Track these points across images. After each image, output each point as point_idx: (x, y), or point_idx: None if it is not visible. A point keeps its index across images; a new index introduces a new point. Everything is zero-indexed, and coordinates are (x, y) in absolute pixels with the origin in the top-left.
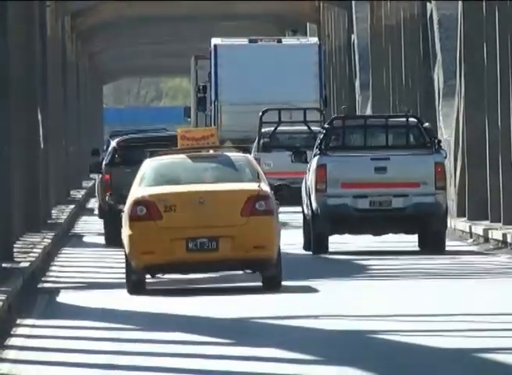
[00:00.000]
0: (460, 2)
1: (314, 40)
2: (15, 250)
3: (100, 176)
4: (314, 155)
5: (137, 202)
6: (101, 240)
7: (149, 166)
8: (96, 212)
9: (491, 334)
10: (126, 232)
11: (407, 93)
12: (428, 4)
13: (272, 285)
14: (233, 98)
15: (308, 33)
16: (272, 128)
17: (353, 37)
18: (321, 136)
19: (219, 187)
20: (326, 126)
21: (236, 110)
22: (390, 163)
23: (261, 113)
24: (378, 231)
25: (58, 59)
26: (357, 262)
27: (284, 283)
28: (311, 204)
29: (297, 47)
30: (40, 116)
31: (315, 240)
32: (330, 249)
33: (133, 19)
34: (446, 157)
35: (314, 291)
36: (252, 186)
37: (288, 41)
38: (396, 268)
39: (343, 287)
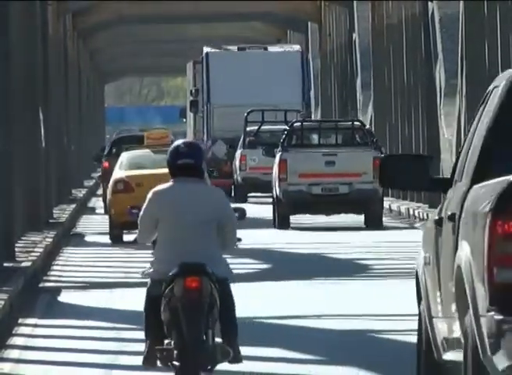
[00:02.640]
0: (461, 2)
1: (297, 47)
2: (16, 249)
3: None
4: (278, 152)
5: (117, 180)
6: (103, 239)
7: (125, 156)
8: (98, 210)
9: None
10: (109, 201)
11: (408, 92)
12: (429, 3)
13: None
14: (224, 101)
15: (310, 33)
16: (256, 127)
17: (355, 36)
18: (284, 136)
19: None
20: (287, 128)
21: (226, 112)
22: (338, 158)
23: (246, 114)
24: (328, 211)
25: (60, 58)
26: (357, 261)
27: (286, 282)
28: (276, 191)
29: (282, 54)
30: (41, 115)
31: (280, 218)
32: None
33: (135, 18)
34: (383, 153)
35: (316, 289)
36: None
37: (273, 48)
38: (397, 267)
39: (344, 285)
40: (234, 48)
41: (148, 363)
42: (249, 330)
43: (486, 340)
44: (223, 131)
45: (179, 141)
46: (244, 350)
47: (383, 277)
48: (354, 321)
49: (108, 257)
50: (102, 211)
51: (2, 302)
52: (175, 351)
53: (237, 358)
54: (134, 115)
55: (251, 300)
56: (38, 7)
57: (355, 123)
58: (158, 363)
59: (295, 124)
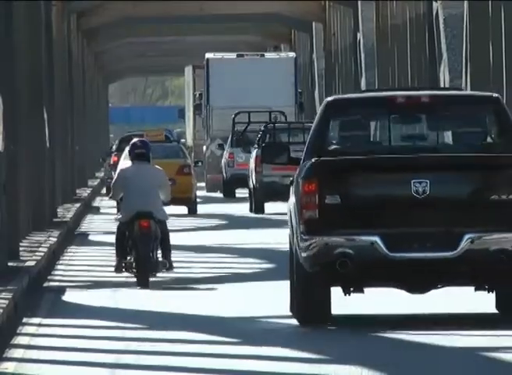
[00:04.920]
0: (465, 2)
1: (291, 54)
2: (21, 249)
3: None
4: (254, 148)
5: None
6: (107, 238)
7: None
8: (102, 210)
9: (497, 333)
10: None
11: None
12: (433, 3)
13: (191, 212)
14: (222, 104)
15: (314, 33)
16: (243, 128)
17: (359, 36)
18: (259, 135)
19: (166, 160)
20: (262, 128)
21: (224, 113)
22: None
23: (233, 115)
24: None
25: (64, 59)
26: None
27: (286, 282)
28: (252, 181)
29: (277, 60)
30: (46, 115)
31: (255, 205)
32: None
33: (139, 18)
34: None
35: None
36: (182, 159)
37: (269, 55)
38: None
39: None
40: (233, 54)
41: (117, 271)
42: (250, 330)
43: (301, 250)
44: (221, 131)
45: (135, 139)
46: (249, 349)
47: None
48: (355, 320)
49: (113, 256)
50: (106, 211)
51: (7, 302)
52: (133, 263)
53: (171, 268)
54: (138, 115)
55: (252, 300)
56: (42, 7)
57: None
58: (124, 270)
59: (268, 125)
